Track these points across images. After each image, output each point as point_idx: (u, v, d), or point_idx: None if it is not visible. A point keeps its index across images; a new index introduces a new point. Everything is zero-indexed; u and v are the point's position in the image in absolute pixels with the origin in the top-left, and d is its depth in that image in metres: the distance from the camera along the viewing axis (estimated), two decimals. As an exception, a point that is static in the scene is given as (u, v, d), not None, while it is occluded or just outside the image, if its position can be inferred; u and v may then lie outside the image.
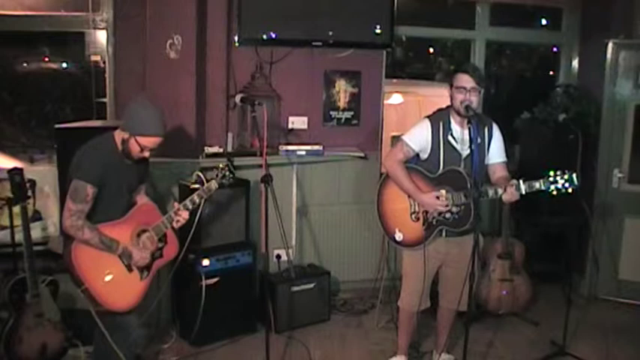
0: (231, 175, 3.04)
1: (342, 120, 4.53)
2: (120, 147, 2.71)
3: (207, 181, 3.01)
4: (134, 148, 2.69)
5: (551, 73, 5.49)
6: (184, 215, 2.90)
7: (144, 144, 2.68)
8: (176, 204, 2.93)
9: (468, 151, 2.97)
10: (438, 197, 3.01)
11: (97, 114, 4.12)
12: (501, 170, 3.14)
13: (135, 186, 2.91)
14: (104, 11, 4.00)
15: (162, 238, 2.88)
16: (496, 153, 3.15)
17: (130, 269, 2.75)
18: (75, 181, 2.59)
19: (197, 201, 2.93)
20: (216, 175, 3.01)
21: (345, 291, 4.56)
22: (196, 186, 3.06)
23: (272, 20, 4.05)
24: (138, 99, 2.82)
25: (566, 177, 2.77)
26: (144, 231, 2.80)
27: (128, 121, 2.69)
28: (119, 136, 2.71)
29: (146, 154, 2.74)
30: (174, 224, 2.90)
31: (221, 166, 3.05)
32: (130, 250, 2.72)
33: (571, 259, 4.42)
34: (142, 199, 2.96)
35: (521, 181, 2.86)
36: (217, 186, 3.00)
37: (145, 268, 2.80)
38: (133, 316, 2.83)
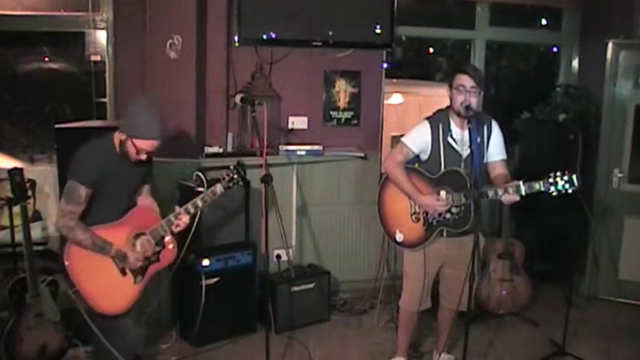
0: (240, 180, 2.85)
1: (342, 120, 4.53)
2: (118, 148, 2.68)
3: (209, 181, 2.95)
4: (131, 150, 2.65)
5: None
6: (185, 219, 2.81)
7: (140, 147, 2.63)
8: (177, 207, 2.84)
9: (468, 151, 2.98)
10: (438, 199, 3.01)
11: (97, 114, 4.12)
12: (500, 167, 3.13)
13: (136, 187, 2.87)
14: (104, 11, 4.01)
15: (160, 242, 2.81)
16: (495, 150, 3.14)
17: (123, 273, 2.71)
18: (69, 181, 2.57)
19: (200, 205, 2.82)
20: (223, 178, 2.86)
21: (345, 291, 4.56)
22: (201, 189, 2.98)
23: (272, 20, 4.05)
24: (138, 101, 2.77)
25: (566, 178, 2.76)
26: (141, 234, 2.75)
27: (127, 123, 2.67)
28: (118, 137, 2.68)
29: (142, 156, 2.67)
30: (174, 228, 2.81)
31: (231, 167, 2.87)
32: (124, 252, 2.68)
33: (571, 259, 4.41)
34: (145, 200, 2.90)
35: (521, 182, 2.86)
36: (223, 190, 2.84)
37: (139, 272, 2.75)
38: (128, 319, 2.79)
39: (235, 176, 2.85)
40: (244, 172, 2.86)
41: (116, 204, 2.73)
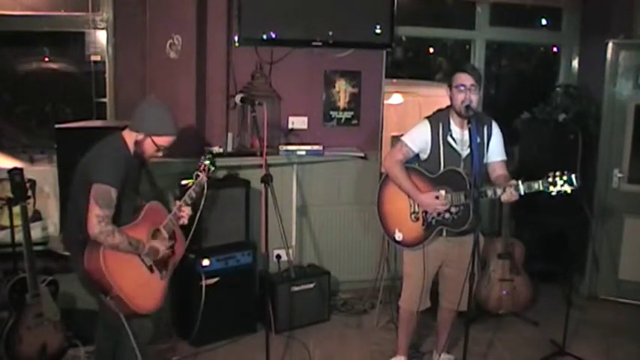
0: (214, 163, 3.05)
1: (342, 120, 4.53)
2: (132, 148, 2.69)
3: (197, 177, 3.01)
4: (150, 149, 2.69)
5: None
6: (187, 211, 2.91)
7: (160, 144, 2.69)
8: (177, 202, 2.92)
9: (468, 151, 2.98)
10: (437, 197, 3.02)
11: (97, 114, 4.12)
12: (500, 168, 3.14)
13: (138, 186, 2.90)
14: (104, 11, 4.01)
15: (172, 236, 2.87)
16: (495, 151, 3.14)
17: (151, 270, 2.74)
18: (98, 185, 2.51)
19: (194, 196, 2.93)
20: (203, 170, 3.00)
21: (345, 291, 4.56)
22: (187, 182, 3.06)
23: (272, 20, 4.05)
24: (149, 99, 2.82)
25: (565, 178, 2.76)
26: (156, 230, 2.79)
27: (143, 122, 2.67)
28: (130, 136, 2.69)
29: (160, 154, 2.74)
30: (181, 221, 2.90)
31: (202, 158, 3.06)
32: (156, 246, 2.71)
33: (571, 259, 4.41)
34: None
35: (520, 182, 2.86)
36: (206, 180, 2.99)
37: (162, 268, 2.80)
38: (150, 320, 2.83)
39: (208, 163, 3.02)
40: (212, 155, 3.08)
41: (131, 204, 2.75)
